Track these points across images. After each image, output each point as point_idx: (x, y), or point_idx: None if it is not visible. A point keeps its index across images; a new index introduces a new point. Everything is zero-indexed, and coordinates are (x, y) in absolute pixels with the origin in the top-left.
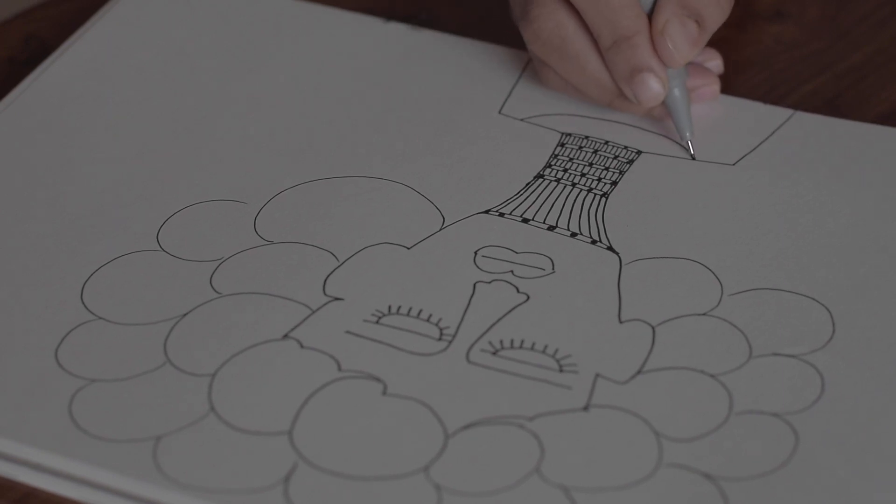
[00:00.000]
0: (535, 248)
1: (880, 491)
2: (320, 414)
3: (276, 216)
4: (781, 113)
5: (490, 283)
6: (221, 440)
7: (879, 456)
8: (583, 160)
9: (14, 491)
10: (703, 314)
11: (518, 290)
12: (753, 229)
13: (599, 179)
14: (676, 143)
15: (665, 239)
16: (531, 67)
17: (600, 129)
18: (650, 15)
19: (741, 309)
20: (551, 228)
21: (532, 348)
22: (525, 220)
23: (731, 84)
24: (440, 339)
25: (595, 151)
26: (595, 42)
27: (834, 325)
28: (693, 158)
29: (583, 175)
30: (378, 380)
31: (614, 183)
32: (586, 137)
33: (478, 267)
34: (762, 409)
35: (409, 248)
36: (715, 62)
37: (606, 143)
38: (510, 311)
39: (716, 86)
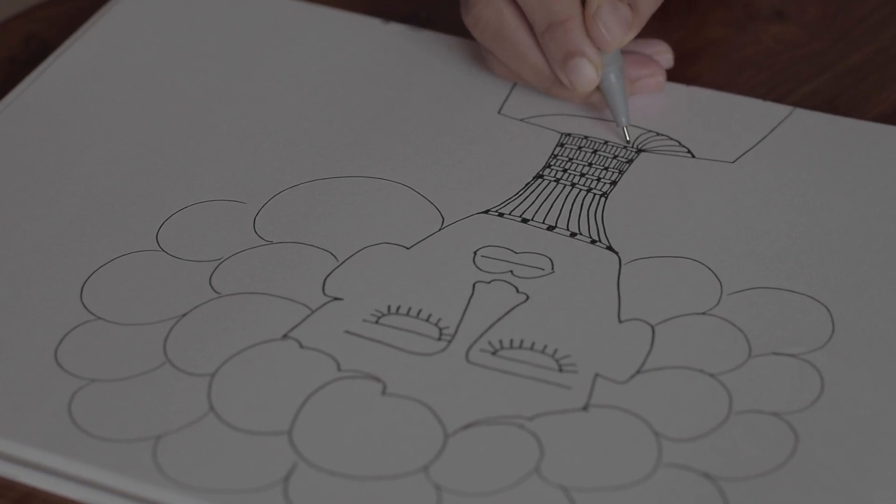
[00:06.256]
0: (535, 248)
1: (879, 490)
2: (320, 414)
3: (275, 216)
4: (781, 110)
5: (489, 283)
6: (221, 440)
7: (879, 455)
8: (582, 160)
9: (14, 491)
10: (703, 313)
11: (517, 290)
12: (753, 228)
13: (599, 179)
14: (676, 140)
15: (664, 238)
16: None
17: (600, 129)
18: (584, 0)
19: (741, 308)
20: (551, 228)
21: (531, 348)
22: (524, 220)
23: (731, 84)
24: (440, 338)
25: (594, 151)
26: (532, 28)
27: (833, 324)
28: (627, 145)
29: (582, 175)
30: (377, 379)
31: (614, 183)
32: (586, 137)
33: (477, 267)
34: (762, 409)
35: (408, 248)
36: (666, 56)
37: (606, 142)
38: (510, 310)
39: (661, 77)
